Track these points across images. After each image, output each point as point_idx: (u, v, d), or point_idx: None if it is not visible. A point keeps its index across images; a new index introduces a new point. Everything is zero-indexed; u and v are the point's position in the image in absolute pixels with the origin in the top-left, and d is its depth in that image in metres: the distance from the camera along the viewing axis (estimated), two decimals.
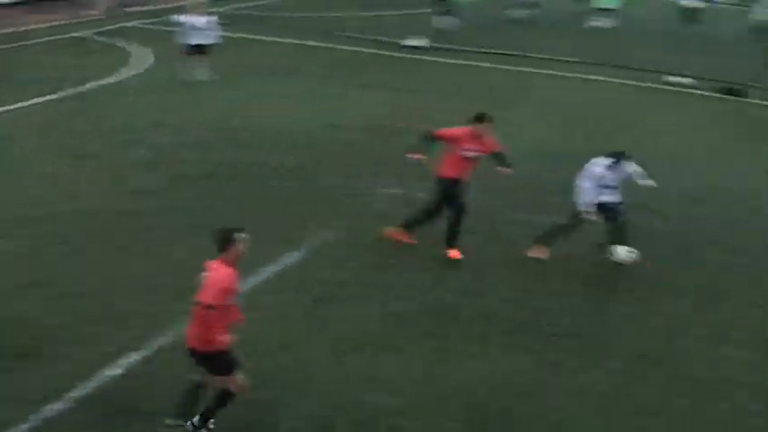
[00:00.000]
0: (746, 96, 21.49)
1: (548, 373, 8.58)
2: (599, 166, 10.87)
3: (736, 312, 10.15)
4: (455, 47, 25.13)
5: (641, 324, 9.72)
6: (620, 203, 10.94)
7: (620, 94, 21.13)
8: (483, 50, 24.94)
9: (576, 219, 11.06)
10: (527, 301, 10.01)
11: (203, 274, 6.82)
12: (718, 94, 21.57)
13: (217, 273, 6.71)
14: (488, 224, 12.06)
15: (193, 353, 6.81)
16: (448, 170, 10.77)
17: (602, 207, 10.84)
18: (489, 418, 7.77)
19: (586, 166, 10.97)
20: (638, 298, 10.36)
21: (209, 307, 6.53)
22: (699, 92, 21.72)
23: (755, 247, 12.13)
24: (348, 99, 18.93)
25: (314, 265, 10.49)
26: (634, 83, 22.31)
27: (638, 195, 11.58)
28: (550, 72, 22.99)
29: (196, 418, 7.03)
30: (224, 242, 6.78)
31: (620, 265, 10.93)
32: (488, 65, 23.49)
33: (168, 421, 7.06)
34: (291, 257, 10.67)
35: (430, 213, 11.07)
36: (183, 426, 7.02)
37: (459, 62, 23.70)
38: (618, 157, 10.90)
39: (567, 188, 11.28)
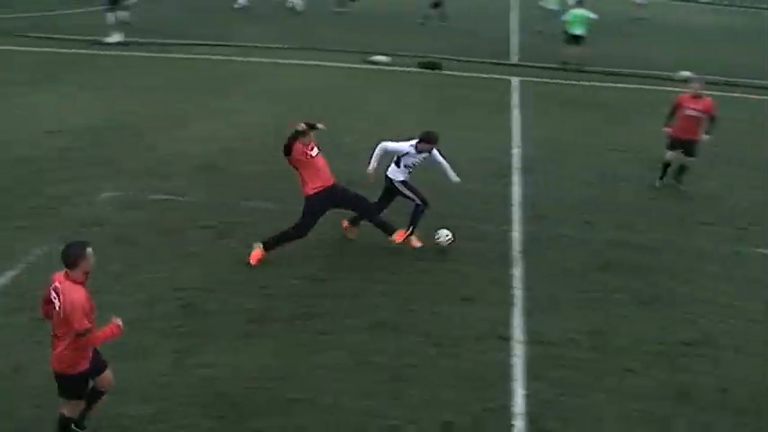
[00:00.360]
0: (442, 69, 22.95)
1: (296, 355, 8.73)
2: (408, 144, 11.14)
3: (460, 272, 10.88)
4: (158, 40, 24.42)
5: (376, 294, 10.13)
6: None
7: (324, 77, 21.46)
8: (192, 42, 24.46)
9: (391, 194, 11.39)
10: (265, 290, 10.07)
11: (52, 294, 6.49)
12: (419, 69, 22.81)
13: (71, 296, 6.40)
14: (221, 216, 11.97)
15: (55, 375, 6.73)
16: (309, 186, 10.52)
17: (404, 184, 11.28)
18: (245, 408, 7.78)
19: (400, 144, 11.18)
20: (367, 270, 10.77)
21: (85, 332, 6.39)
22: (403, 69, 22.82)
23: (460, 210, 12.99)
24: (59, 103, 17.76)
25: (33, 281, 9.62)
26: (343, 65, 22.97)
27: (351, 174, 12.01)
28: (262, 60, 23.03)
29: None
30: (72, 257, 6.45)
31: (348, 241, 11.34)
32: (199, 56, 23.08)
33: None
34: (6, 276, 9.93)
35: (361, 217, 11.16)
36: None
37: (168, 55, 23.07)
38: (424, 138, 11.15)
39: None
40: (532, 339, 9.33)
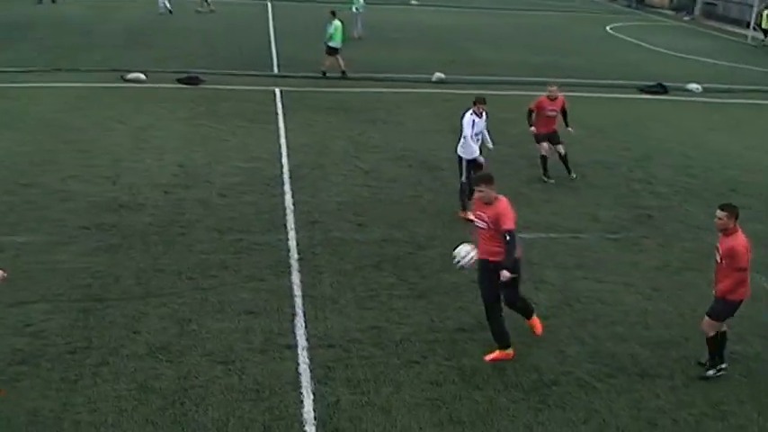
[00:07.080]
0: (202, 83, 22.59)
1: (71, 392, 8.27)
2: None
3: (239, 286, 10.76)
4: None
5: (154, 319, 9.83)
6: None
7: (77, 99, 20.52)
8: None
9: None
10: (30, 327, 9.46)
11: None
12: (179, 85, 22.31)
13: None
14: None
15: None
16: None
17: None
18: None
19: None
20: (142, 295, 10.39)
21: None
22: (161, 85, 22.22)
23: (236, 223, 12.92)
24: None
25: None
26: (98, 84, 22.00)
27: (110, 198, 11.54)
28: (8, 86, 21.55)
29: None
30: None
31: (121, 266, 10.86)
32: None
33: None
34: None
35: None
36: None
37: None
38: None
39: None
40: (316, 344, 9.40)
